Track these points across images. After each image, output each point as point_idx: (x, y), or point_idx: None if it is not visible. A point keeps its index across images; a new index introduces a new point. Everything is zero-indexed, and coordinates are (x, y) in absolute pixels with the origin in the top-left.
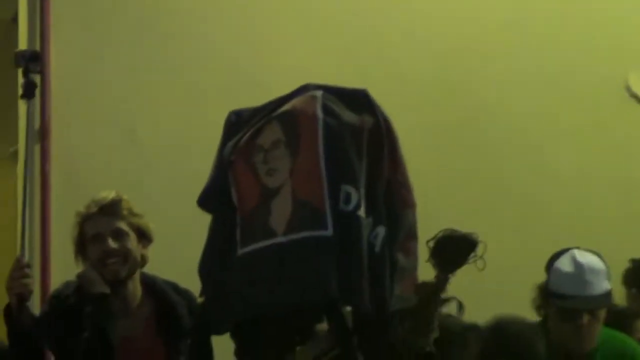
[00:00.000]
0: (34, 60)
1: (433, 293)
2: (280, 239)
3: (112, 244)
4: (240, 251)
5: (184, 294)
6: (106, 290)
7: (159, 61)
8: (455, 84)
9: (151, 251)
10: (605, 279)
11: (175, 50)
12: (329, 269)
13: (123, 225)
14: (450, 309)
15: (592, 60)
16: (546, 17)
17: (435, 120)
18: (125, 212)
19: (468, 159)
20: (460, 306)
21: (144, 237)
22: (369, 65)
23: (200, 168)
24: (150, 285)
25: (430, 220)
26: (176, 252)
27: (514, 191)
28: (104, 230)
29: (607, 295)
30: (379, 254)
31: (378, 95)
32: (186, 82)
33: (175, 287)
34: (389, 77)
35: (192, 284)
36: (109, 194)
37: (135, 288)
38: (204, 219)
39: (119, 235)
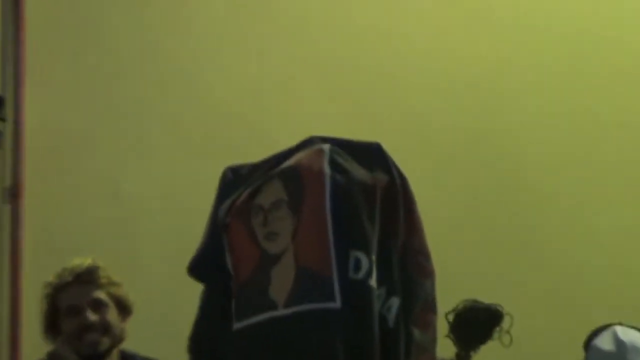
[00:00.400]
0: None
1: None
2: (281, 312)
3: (91, 315)
4: (236, 325)
5: None
6: None
7: (148, 108)
8: (478, 131)
9: (134, 320)
10: None
11: (167, 96)
12: (337, 347)
13: (102, 295)
14: None
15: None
16: (578, 54)
17: (455, 176)
18: (104, 281)
19: (493, 220)
20: None
21: (123, 309)
22: (382, 113)
23: (191, 228)
24: None
25: (450, 290)
26: (162, 323)
27: (545, 255)
28: (81, 301)
29: None
30: (392, 329)
31: (393, 148)
32: (178, 132)
33: None
34: (404, 126)
35: None
36: (85, 261)
37: None
38: (195, 286)
39: (98, 306)
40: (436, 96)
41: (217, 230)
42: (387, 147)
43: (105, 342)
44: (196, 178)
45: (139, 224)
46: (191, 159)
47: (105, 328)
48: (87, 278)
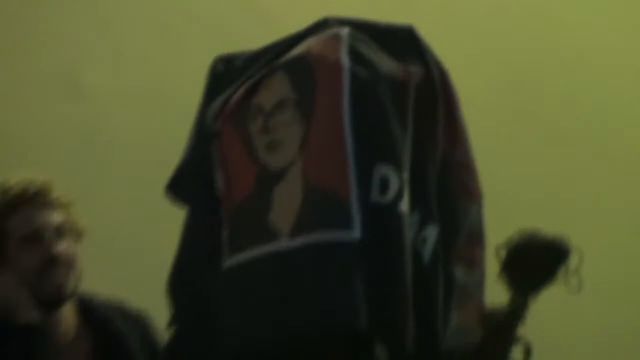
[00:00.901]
0: None
1: (507, 325)
2: (285, 243)
3: (57, 246)
4: (228, 261)
5: (137, 319)
6: (35, 319)
7: None
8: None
9: (93, 254)
10: None
11: None
12: (354, 288)
13: (63, 220)
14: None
15: None
16: None
17: (505, 66)
18: (62, 201)
19: (555, 124)
20: (529, 352)
21: (78, 237)
22: None
23: (171, 134)
24: (88, 309)
25: (502, 218)
26: (131, 257)
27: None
28: (43, 226)
29: None
30: (428, 267)
31: (429, 34)
32: (156, 8)
33: (122, 311)
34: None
35: (156, 306)
36: (32, 176)
37: (69, 314)
38: (175, 210)
39: (60, 234)
40: None
41: (203, 138)
42: (422, 32)
43: (72, 281)
44: (177, 69)
45: (103, 127)
46: (171, 44)
47: (70, 262)
48: (43, 198)
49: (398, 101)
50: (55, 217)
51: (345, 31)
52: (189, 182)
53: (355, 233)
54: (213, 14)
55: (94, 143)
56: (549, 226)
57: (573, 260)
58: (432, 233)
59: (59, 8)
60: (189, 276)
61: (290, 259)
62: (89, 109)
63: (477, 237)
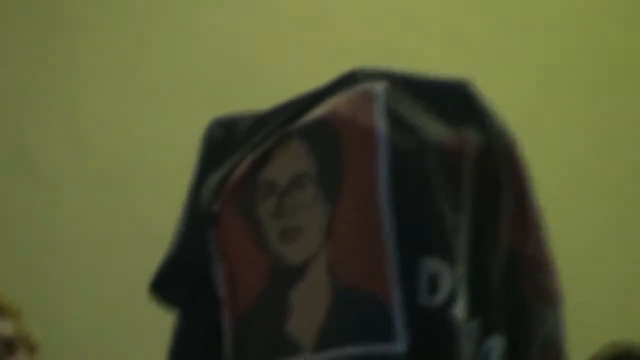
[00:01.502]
0: None
1: None
2: (309, 359)
3: None
4: None
5: None
6: None
7: None
8: None
9: None
10: None
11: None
12: None
13: (10, 332)
14: None
15: None
16: None
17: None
18: (12, 309)
19: None
20: None
21: (31, 350)
22: None
23: (154, 211)
24: None
25: (588, 325)
26: None
27: None
28: None
29: None
30: None
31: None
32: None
33: None
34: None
35: None
36: None
37: None
38: (162, 315)
39: (12, 349)
40: None
41: (197, 223)
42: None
43: None
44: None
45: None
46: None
47: None
48: None
49: (449, 177)
50: (4, 329)
51: (380, 87)
52: (178, 280)
53: (399, 346)
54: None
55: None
56: None
57: None
58: (497, 345)
59: None
60: None
61: None
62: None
63: (554, 351)
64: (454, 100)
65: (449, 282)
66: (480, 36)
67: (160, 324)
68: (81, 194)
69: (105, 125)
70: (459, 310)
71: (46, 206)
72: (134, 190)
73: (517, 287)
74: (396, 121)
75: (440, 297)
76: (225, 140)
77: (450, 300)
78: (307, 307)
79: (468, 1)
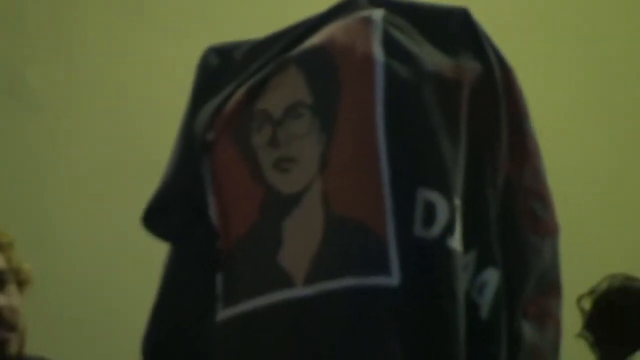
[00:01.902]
0: None
1: None
2: (300, 292)
3: None
4: (225, 313)
5: None
6: None
7: None
8: None
9: (45, 309)
10: None
11: None
12: (394, 351)
13: (3, 265)
14: None
15: None
16: None
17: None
18: (3, 242)
19: None
20: None
21: (23, 285)
22: None
23: (146, 147)
24: None
25: (586, 259)
26: (95, 311)
27: None
28: None
29: None
30: (487, 322)
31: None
32: None
33: None
34: None
35: None
36: None
37: None
38: (153, 248)
39: (2, 283)
40: None
41: (192, 153)
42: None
43: (15, 341)
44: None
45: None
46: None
47: (14, 319)
48: None
49: (448, 107)
50: None
51: (378, 14)
52: (171, 211)
53: (394, 279)
54: None
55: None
56: None
57: None
58: (492, 278)
59: None
60: (172, 334)
61: (307, 313)
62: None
63: (551, 284)
64: (453, 28)
65: (446, 214)
66: None
67: (156, 253)
68: (79, 125)
69: (106, 62)
70: (456, 242)
71: (43, 137)
72: (133, 122)
73: (514, 219)
74: (394, 50)
75: (436, 229)
76: (220, 69)
77: (447, 232)
78: (300, 238)
79: None
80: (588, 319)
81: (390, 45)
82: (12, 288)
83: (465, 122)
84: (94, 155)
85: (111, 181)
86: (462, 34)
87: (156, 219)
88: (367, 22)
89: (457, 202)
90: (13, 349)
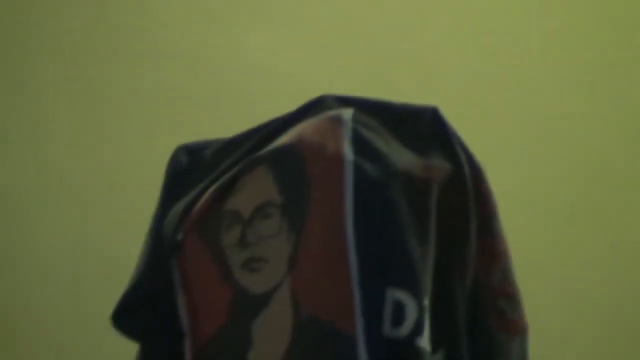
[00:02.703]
0: None
1: None
2: None
3: None
4: None
5: None
6: None
7: None
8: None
9: None
10: None
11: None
12: None
13: None
14: None
15: None
16: None
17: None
18: None
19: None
20: None
21: None
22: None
23: (114, 235)
24: None
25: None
26: None
27: None
28: None
29: None
30: None
31: (457, 116)
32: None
33: None
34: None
35: None
36: None
37: None
38: (124, 345)
39: None
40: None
41: (161, 253)
42: (448, 114)
43: None
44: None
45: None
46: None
47: None
48: None
49: (417, 206)
50: None
51: (348, 113)
52: (140, 312)
53: None
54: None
55: None
56: None
57: None
58: None
59: None
60: None
61: None
62: None
63: None
64: (422, 127)
65: (415, 314)
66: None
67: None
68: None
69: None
70: (424, 341)
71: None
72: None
73: (483, 318)
74: (364, 148)
75: (405, 329)
76: (190, 167)
77: (416, 331)
78: (269, 338)
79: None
80: None
81: (360, 144)
82: None
83: (435, 221)
84: None
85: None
86: (431, 132)
87: (125, 318)
88: (337, 120)
89: (426, 301)
90: None
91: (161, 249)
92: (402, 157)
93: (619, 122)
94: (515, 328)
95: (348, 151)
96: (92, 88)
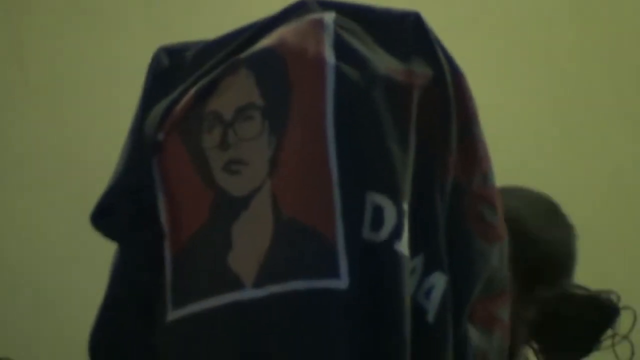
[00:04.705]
0: None
1: None
2: (248, 294)
3: None
4: (173, 314)
5: None
6: None
7: None
8: None
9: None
10: None
11: None
12: (340, 351)
13: None
14: None
15: None
16: None
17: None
18: None
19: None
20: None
21: None
22: None
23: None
24: None
25: None
26: (38, 305)
27: None
28: None
29: None
30: (433, 327)
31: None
32: None
33: None
34: None
35: None
36: None
37: None
38: (101, 245)
39: None
40: None
41: (141, 153)
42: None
43: None
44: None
45: None
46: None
47: None
48: None
49: (398, 111)
50: None
51: (330, 17)
52: (120, 211)
53: (342, 282)
54: None
55: None
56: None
57: (623, 322)
58: (439, 282)
59: None
60: (119, 335)
61: (256, 315)
62: None
63: (498, 289)
64: (404, 32)
65: (394, 218)
66: None
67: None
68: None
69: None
70: (403, 245)
71: None
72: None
73: (462, 224)
74: (345, 53)
75: (384, 233)
76: (171, 69)
77: (394, 235)
78: (249, 241)
79: None
80: (533, 325)
81: (341, 48)
82: None
83: (415, 126)
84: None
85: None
86: (413, 38)
87: (104, 218)
88: (319, 24)
89: (405, 206)
90: None
91: (141, 149)
92: (383, 61)
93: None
94: (494, 234)
95: (329, 55)
96: None
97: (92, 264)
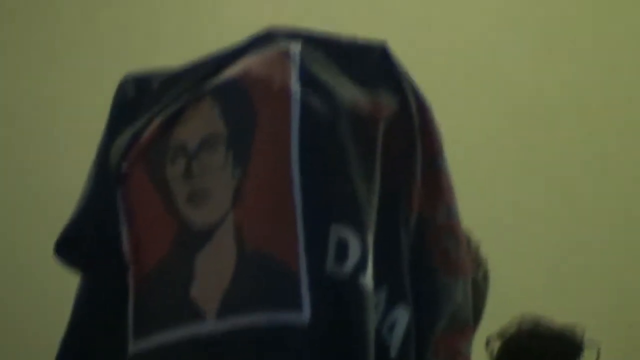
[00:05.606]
0: None
1: None
2: (210, 326)
3: None
4: (135, 346)
5: None
6: None
7: None
8: None
9: None
10: None
11: None
12: None
13: None
14: None
15: None
16: None
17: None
18: None
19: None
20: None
21: None
22: None
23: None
24: None
25: (497, 299)
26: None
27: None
28: None
29: None
30: None
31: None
32: None
33: None
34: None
35: None
36: None
37: None
38: (66, 277)
39: None
40: None
41: (106, 184)
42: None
43: None
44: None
45: None
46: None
47: None
48: None
49: (363, 143)
50: None
51: (296, 48)
52: (84, 242)
53: (305, 315)
54: None
55: None
56: (557, 313)
57: (588, 356)
58: (402, 316)
59: None
60: None
61: (216, 347)
62: None
63: (461, 323)
64: (370, 63)
65: (358, 251)
66: None
67: None
68: None
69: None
70: (367, 279)
71: None
72: None
73: (426, 257)
74: (311, 84)
75: (348, 266)
76: (137, 97)
77: (359, 269)
78: (212, 272)
79: None
80: None
81: (307, 79)
82: None
83: (380, 158)
84: None
85: None
86: (379, 69)
87: (67, 248)
88: (285, 55)
89: (370, 238)
90: None
91: (106, 180)
92: (349, 93)
93: None
94: (458, 268)
95: (295, 86)
96: None
97: None
